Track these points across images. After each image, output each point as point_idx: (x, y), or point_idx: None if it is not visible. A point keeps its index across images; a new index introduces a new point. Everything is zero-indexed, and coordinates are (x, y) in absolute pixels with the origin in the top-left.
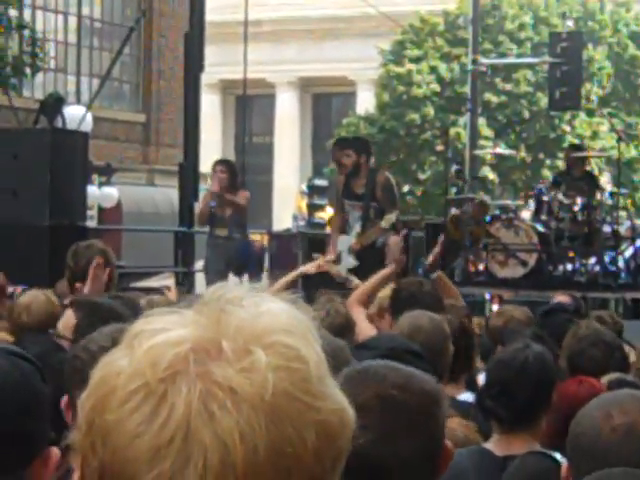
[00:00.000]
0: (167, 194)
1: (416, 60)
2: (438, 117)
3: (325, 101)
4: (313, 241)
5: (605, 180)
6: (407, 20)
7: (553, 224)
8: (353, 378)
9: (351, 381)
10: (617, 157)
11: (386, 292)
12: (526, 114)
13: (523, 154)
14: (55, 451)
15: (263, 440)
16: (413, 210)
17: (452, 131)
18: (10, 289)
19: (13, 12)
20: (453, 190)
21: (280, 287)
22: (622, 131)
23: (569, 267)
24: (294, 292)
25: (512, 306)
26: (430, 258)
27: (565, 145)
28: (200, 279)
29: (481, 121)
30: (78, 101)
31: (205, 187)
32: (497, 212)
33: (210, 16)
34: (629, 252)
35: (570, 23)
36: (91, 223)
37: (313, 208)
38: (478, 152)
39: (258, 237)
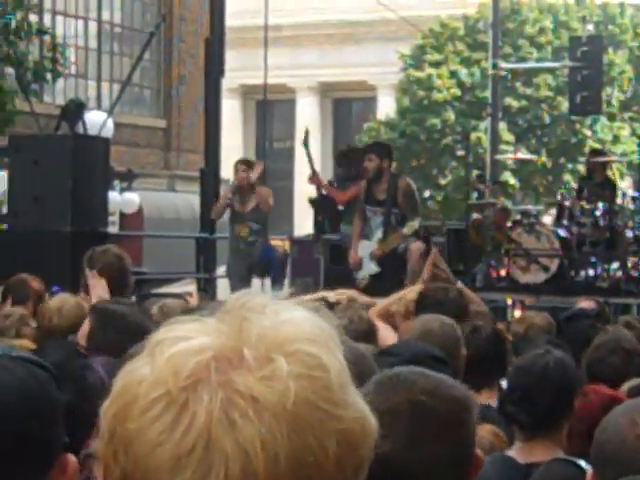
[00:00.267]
0: (188, 200)
1: (436, 65)
2: (459, 122)
3: (345, 106)
4: (335, 247)
5: (627, 185)
6: (427, 25)
7: (575, 229)
8: (383, 383)
9: (381, 386)
10: (639, 162)
11: (413, 294)
12: (547, 119)
13: (544, 159)
14: (72, 458)
15: (284, 449)
16: (434, 215)
17: (473, 136)
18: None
19: (33, 17)
20: (474, 195)
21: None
22: None
23: (591, 272)
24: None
25: (533, 312)
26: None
27: (586, 149)
28: (222, 285)
29: (502, 126)
30: (99, 107)
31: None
32: (518, 217)
33: (230, 21)
34: None
35: (590, 27)
36: (112, 229)
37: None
38: (499, 157)
39: (280, 243)
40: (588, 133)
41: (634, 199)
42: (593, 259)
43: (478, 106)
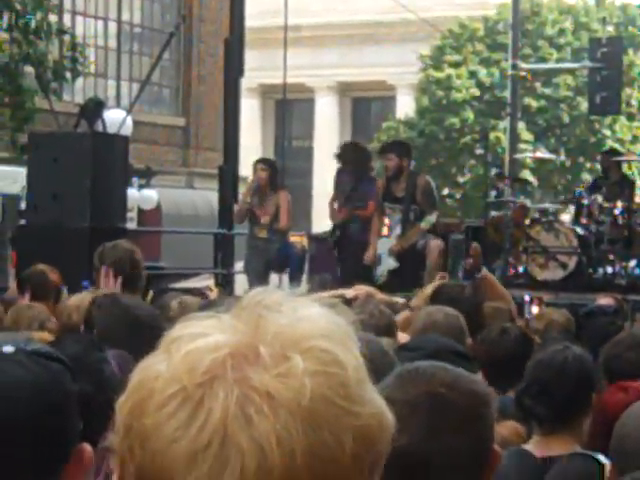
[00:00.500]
0: (206, 197)
1: (455, 65)
2: (478, 121)
3: (364, 105)
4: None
5: None
6: (446, 25)
7: (593, 227)
8: (403, 376)
9: (401, 379)
10: None
11: (429, 291)
12: (566, 118)
13: (563, 158)
14: (87, 447)
15: (300, 445)
16: (452, 213)
17: (492, 135)
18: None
19: (53, 17)
20: (493, 193)
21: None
22: None
23: (609, 270)
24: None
25: (552, 309)
26: (469, 262)
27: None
28: (239, 281)
29: (521, 125)
30: (118, 105)
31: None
32: (537, 215)
33: (250, 21)
34: None
35: (610, 28)
36: (131, 225)
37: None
38: (518, 156)
39: (298, 239)
40: (607, 133)
41: None
42: (611, 257)
43: (497, 106)
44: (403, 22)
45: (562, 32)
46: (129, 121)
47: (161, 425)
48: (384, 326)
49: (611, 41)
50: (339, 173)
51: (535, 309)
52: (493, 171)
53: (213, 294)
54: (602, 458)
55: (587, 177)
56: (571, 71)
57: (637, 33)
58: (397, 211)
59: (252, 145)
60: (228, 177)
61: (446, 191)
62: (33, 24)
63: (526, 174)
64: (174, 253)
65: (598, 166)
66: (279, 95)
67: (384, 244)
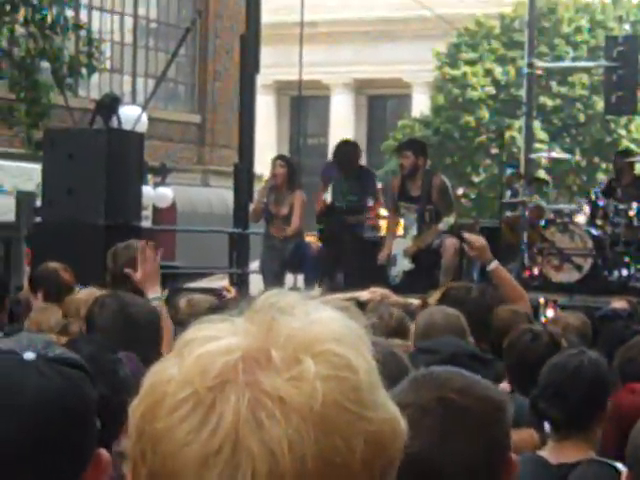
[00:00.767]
0: (222, 195)
1: (471, 63)
2: (493, 120)
3: (380, 103)
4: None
5: None
6: (462, 23)
7: (608, 229)
8: (417, 380)
9: (415, 383)
10: None
11: (438, 294)
12: (582, 118)
13: (578, 158)
14: (104, 452)
15: (312, 450)
16: (466, 213)
17: (507, 134)
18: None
19: (69, 12)
20: (508, 193)
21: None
22: None
23: (624, 272)
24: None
25: (568, 312)
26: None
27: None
28: (254, 280)
29: (536, 124)
30: (133, 101)
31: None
32: (552, 216)
33: (265, 17)
34: None
35: (627, 27)
36: (146, 223)
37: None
38: (533, 155)
39: (313, 239)
40: (623, 133)
41: None
42: (626, 259)
43: (513, 104)
44: (419, 19)
45: (578, 30)
46: (144, 118)
47: (173, 429)
48: (394, 328)
49: (627, 40)
50: (326, 168)
51: (550, 311)
52: (508, 171)
53: (231, 294)
54: (619, 465)
55: (602, 177)
56: (587, 70)
57: None
58: (412, 211)
59: (267, 142)
60: (243, 175)
61: (461, 191)
62: (49, 19)
63: (541, 174)
64: (189, 252)
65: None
66: (294, 92)
67: (399, 244)
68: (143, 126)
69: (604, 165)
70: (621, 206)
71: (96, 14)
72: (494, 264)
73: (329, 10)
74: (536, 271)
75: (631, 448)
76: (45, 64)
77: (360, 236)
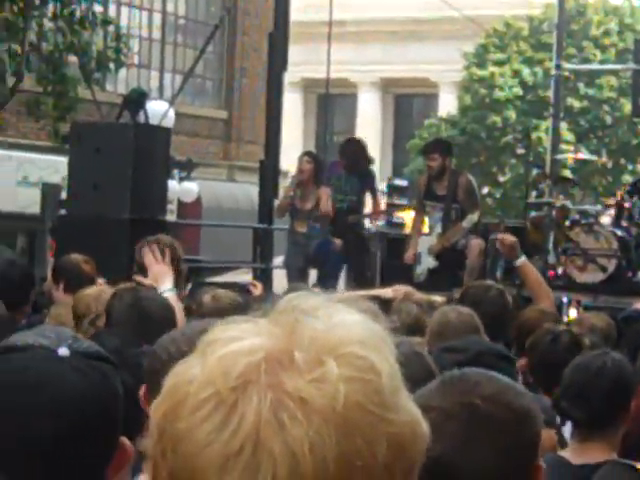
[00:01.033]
0: (247, 190)
1: (499, 64)
2: (520, 121)
3: (407, 102)
4: (392, 241)
5: None
6: (490, 24)
7: (634, 230)
8: (445, 383)
9: (443, 386)
10: None
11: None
12: (609, 120)
13: (604, 159)
14: (127, 441)
15: (333, 452)
16: (491, 212)
17: (533, 135)
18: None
19: (98, 8)
20: (533, 194)
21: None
22: None
23: None
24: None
25: (592, 313)
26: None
27: None
28: (278, 276)
29: (563, 125)
30: (161, 97)
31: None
32: (577, 217)
33: (294, 15)
34: None
35: None
36: (171, 217)
37: (392, 208)
38: (559, 156)
39: None
40: None
41: None
42: None
43: (540, 106)
44: (448, 20)
45: (607, 33)
46: (171, 113)
47: (194, 429)
48: (409, 325)
49: None
50: (331, 166)
51: (573, 311)
52: (534, 171)
53: (257, 290)
54: None
55: (628, 179)
56: (615, 72)
57: None
58: (438, 209)
59: (293, 139)
60: (269, 171)
61: (486, 190)
62: (78, 14)
63: (566, 173)
64: (213, 246)
65: (639, 168)
66: (321, 90)
67: (424, 243)
68: (170, 121)
69: (630, 167)
70: None
71: (125, 10)
72: (522, 260)
73: (358, 9)
74: (560, 271)
75: None
76: (73, 58)
77: (362, 234)
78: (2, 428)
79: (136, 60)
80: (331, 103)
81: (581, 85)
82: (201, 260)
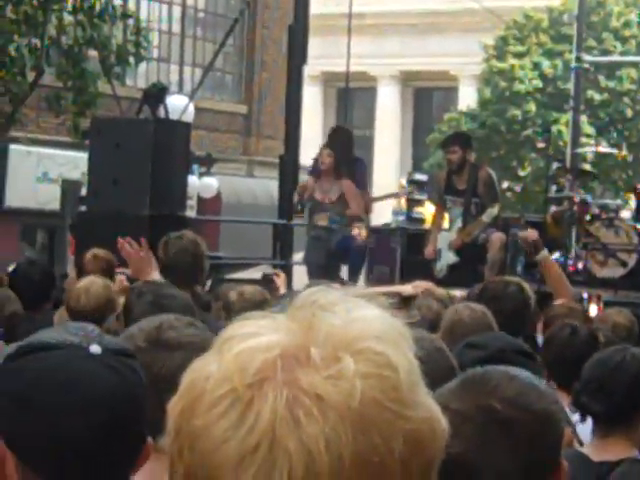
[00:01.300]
0: (266, 185)
1: (519, 56)
2: (540, 114)
3: (426, 95)
4: (412, 236)
5: None
6: (510, 16)
7: None
8: (464, 383)
9: (462, 386)
10: None
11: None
12: (629, 112)
13: (624, 152)
14: (149, 438)
15: (349, 449)
16: (511, 207)
17: (554, 128)
18: (118, 270)
19: (118, 1)
20: (554, 188)
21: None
22: None
23: None
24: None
25: (615, 310)
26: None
27: None
28: (297, 272)
29: (583, 119)
30: (180, 91)
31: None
32: (597, 211)
33: (314, 8)
34: None
35: None
36: (191, 213)
37: (412, 203)
38: (580, 150)
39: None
40: None
41: None
42: None
43: (560, 98)
44: (467, 12)
45: (627, 24)
46: (191, 108)
47: (211, 426)
48: (428, 320)
49: None
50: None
51: (593, 307)
52: (555, 165)
53: (280, 279)
54: None
55: None
56: (635, 64)
57: None
58: (458, 204)
59: (313, 133)
60: (289, 166)
61: (506, 184)
62: (98, 7)
63: (587, 167)
64: (233, 242)
65: None
66: (341, 83)
67: (444, 238)
68: (190, 116)
69: None
70: None
71: (144, 3)
72: (544, 253)
73: (377, 2)
74: (580, 266)
75: None
76: (93, 53)
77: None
78: (34, 427)
79: (156, 54)
80: (350, 97)
81: (601, 77)
82: (221, 256)
